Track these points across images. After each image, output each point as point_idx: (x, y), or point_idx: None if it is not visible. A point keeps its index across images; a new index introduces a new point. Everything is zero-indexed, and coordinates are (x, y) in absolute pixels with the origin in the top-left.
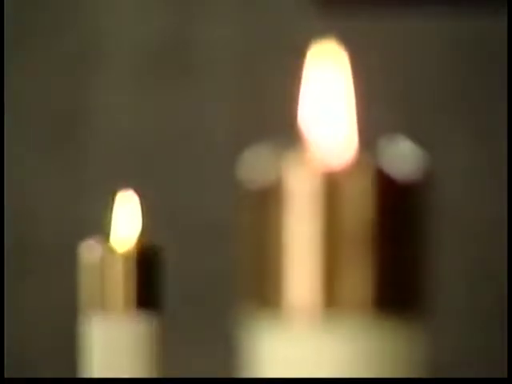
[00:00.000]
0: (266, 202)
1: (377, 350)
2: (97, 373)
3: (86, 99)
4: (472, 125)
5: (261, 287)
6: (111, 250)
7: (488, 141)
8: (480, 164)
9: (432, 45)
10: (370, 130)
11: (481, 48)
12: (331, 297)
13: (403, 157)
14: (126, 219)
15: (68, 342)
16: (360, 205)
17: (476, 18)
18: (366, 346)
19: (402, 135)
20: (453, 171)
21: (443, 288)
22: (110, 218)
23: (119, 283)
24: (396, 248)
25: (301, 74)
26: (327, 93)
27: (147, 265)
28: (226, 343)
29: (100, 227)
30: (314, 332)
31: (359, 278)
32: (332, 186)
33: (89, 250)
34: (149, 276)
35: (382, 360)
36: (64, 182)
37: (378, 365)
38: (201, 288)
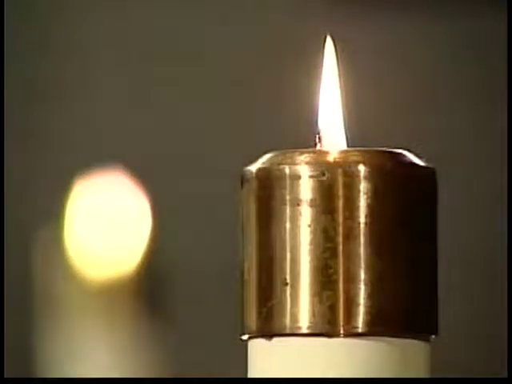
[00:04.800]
0: (270, 196)
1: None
2: (99, 373)
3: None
4: (472, 124)
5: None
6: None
7: (488, 141)
8: (481, 164)
9: (433, 45)
10: (372, 129)
11: (482, 48)
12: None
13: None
14: (133, 225)
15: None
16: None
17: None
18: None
19: (402, 134)
20: (453, 171)
21: (442, 287)
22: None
23: (128, 294)
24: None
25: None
26: (327, 86)
27: (154, 282)
28: (227, 344)
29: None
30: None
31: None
32: (333, 175)
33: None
34: (155, 289)
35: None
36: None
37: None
38: (201, 287)
